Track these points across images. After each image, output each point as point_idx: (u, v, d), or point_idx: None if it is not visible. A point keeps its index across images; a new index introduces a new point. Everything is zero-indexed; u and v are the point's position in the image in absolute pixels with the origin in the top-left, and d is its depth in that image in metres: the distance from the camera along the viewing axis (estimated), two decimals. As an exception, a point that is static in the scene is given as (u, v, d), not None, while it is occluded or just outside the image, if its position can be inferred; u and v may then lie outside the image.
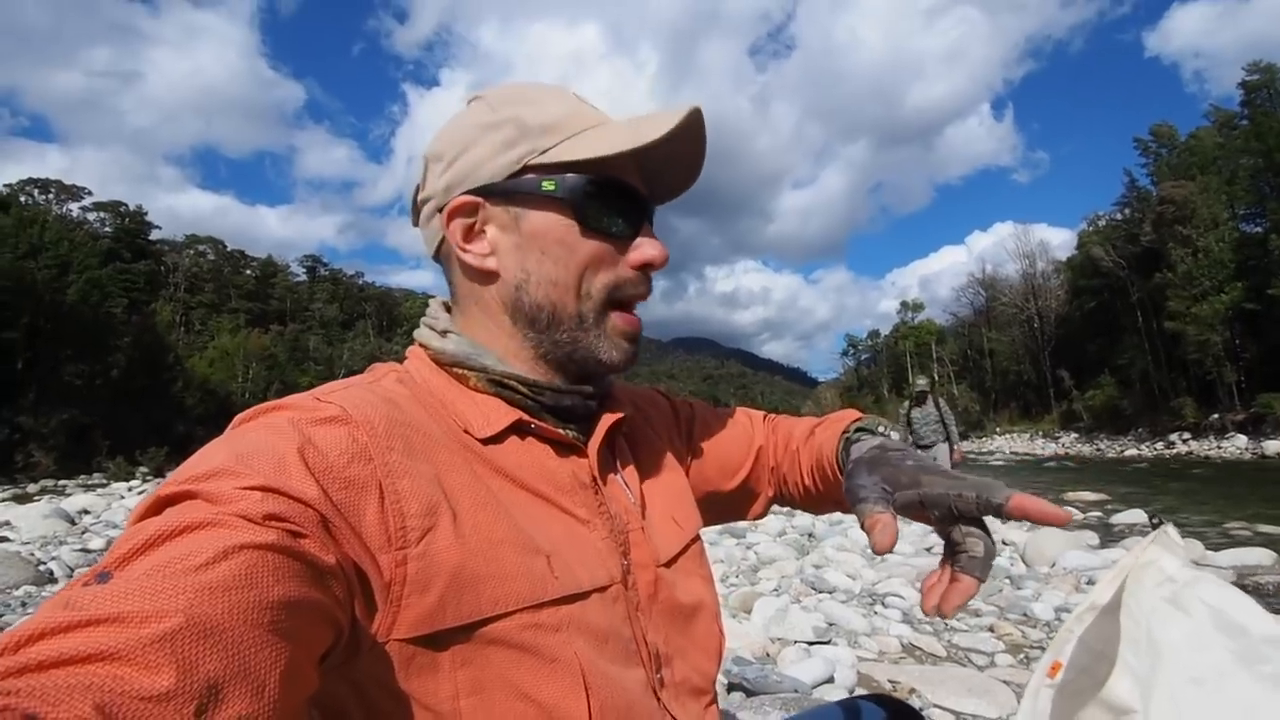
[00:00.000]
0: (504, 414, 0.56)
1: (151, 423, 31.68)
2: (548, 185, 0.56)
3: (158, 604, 0.31)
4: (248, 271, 78.63)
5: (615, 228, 0.58)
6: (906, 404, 7.66)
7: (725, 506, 0.82)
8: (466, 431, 0.55)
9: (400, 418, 0.50)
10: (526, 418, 0.57)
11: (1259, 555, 5.40)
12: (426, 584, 0.44)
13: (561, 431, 0.59)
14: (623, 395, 0.71)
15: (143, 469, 25.71)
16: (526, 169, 0.57)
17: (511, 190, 0.57)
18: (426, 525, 0.46)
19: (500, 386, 0.58)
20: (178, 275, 64.67)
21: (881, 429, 0.72)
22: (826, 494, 0.75)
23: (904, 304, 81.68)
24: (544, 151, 0.56)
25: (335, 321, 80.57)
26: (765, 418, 0.87)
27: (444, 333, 0.60)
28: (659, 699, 0.56)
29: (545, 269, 0.57)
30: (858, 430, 0.71)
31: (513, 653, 0.47)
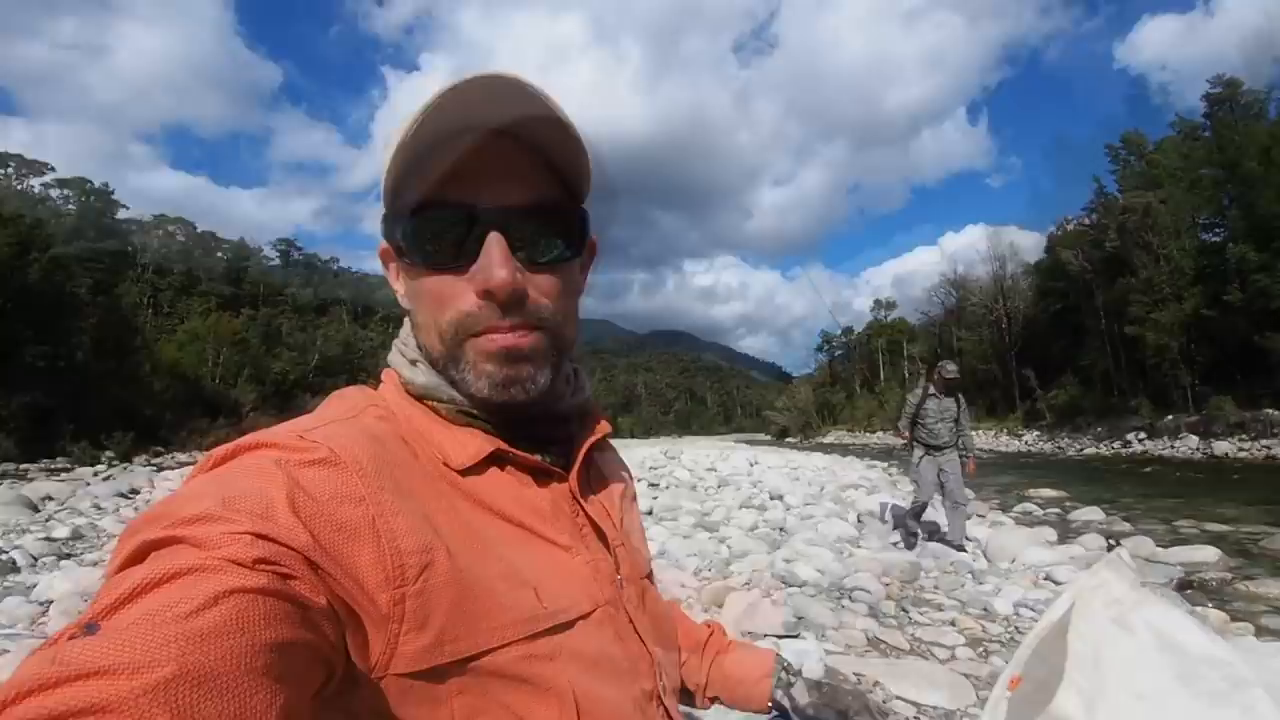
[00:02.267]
0: (481, 444, 0.55)
1: (117, 406, 30.74)
2: (383, 228, 0.56)
3: (149, 654, 0.30)
4: (219, 254, 76.99)
5: (433, 258, 0.53)
6: (918, 391, 6.09)
7: None
8: (446, 464, 0.54)
9: (387, 456, 0.50)
10: (504, 446, 0.56)
11: (1205, 553, 5.66)
12: (424, 621, 0.44)
13: (538, 458, 0.58)
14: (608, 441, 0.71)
15: (108, 453, 25.03)
16: (385, 214, 0.56)
17: (384, 236, 0.57)
18: (423, 562, 0.45)
19: (470, 417, 0.57)
20: (146, 256, 62.88)
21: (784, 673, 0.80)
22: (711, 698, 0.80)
23: (877, 302, 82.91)
24: (384, 193, 0.55)
25: (309, 307, 79.19)
26: None
27: (414, 362, 0.59)
28: (664, 705, 0.58)
29: (415, 311, 0.58)
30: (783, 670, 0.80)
31: (509, 682, 0.47)
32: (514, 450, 0.56)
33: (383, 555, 0.44)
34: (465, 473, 0.54)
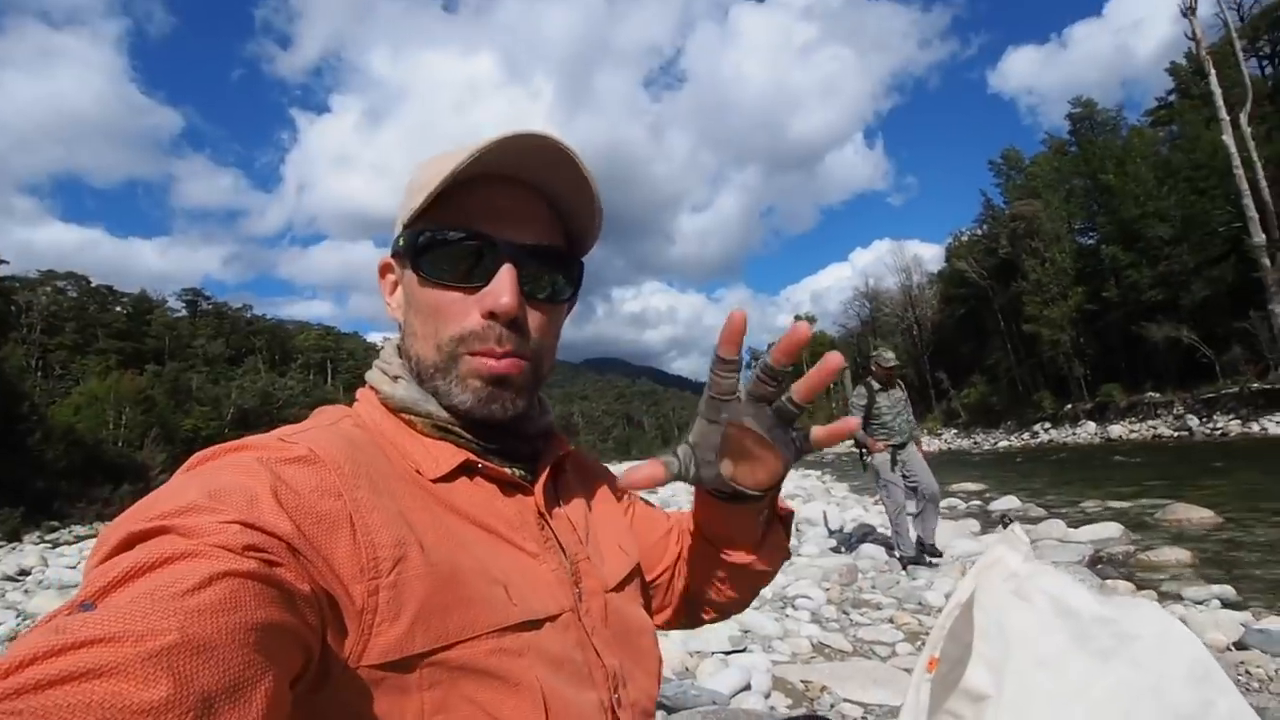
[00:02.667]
0: (452, 455, 0.59)
1: (2, 481, 27.61)
2: (400, 242, 0.61)
3: (150, 624, 0.32)
4: (117, 309, 71.02)
5: (447, 275, 0.58)
6: (862, 391, 5.51)
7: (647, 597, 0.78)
8: (418, 472, 0.57)
9: (363, 457, 0.53)
10: (474, 458, 0.59)
11: (1110, 529, 6.11)
12: (398, 612, 0.46)
13: (508, 471, 0.62)
14: (575, 456, 0.74)
15: (-10, 534, 22.41)
16: (405, 228, 0.61)
17: (396, 250, 0.63)
18: (397, 556, 0.48)
19: (445, 432, 0.60)
20: (32, 315, 57.34)
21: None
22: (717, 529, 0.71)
23: (798, 318, 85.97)
24: (411, 211, 0.60)
25: (221, 358, 74.17)
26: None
27: (395, 378, 0.63)
28: (616, 718, 0.58)
29: (413, 321, 0.62)
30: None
31: (478, 676, 0.49)
32: (484, 461, 0.60)
33: (358, 548, 0.46)
34: (437, 482, 0.57)
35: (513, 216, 0.59)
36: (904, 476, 5.39)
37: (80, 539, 18.83)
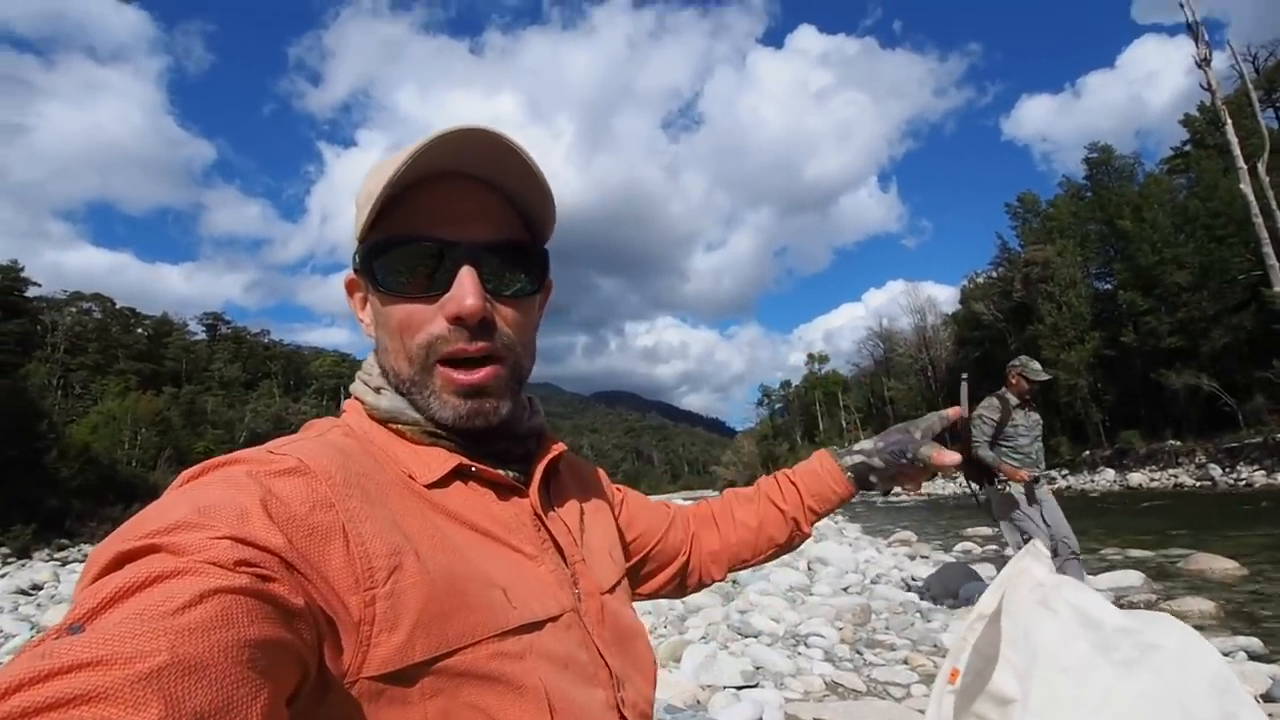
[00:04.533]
0: (445, 460, 0.58)
1: (17, 497, 27.73)
2: (357, 259, 0.60)
3: (140, 645, 0.31)
4: (139, 330, 72.06)
5: (407, 287, 0.57)
6: (994, 403, 4.32)
7: (643, 579, 0.88)
8: (411, 478, 0.56)
9: (354, 466, 0.52)
10: (467, 461, 0.59)
11: (1131, 577, 5.96)
12: (395, 622, 0.45)
13: (501, 473, 0.61)
14: (567, 458, 0.74)
15: (3, 549, 22.52)
16: (359, 243, 0.59)
17: (355, 267, 0.61)
18: (392, 565, 0.47)
19: (435, 437, 0.59)
20: (57, 335, 58.45)
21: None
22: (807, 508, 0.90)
23: (811, 356, 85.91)
24: (361, 225, 0.58)
25: (237, 382, 74.79)
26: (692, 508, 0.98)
27: (378, 389, 0.62)
28: (623, 716, 0.59)
29: (383, 336, 0.60)
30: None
31: (480, 681, 0.48)
32: (477, 464, 0.59)
33: (353, 559, 0.45)
34: (430, 487, 0.56)
35: (467, 215, 0.57)
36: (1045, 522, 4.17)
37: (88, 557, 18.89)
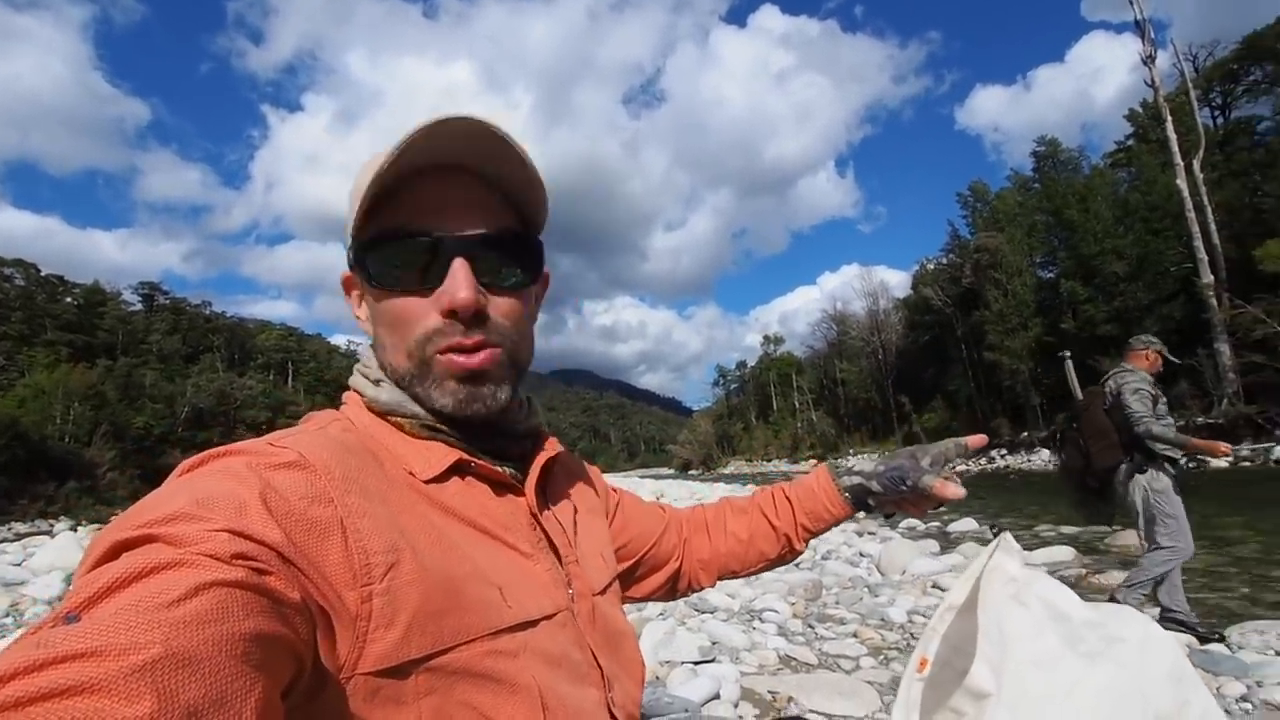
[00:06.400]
0: (444, 455, 0.58)
1: None
2: (351, 256, 0.60)
3: (134, 637, 0.31)
4: (68, 299, 67.52)
5: (401, 283, 0.57)
6: (1143, 375, 3.61)
7: (634, 581, 0.88)
8: (410, 473, 0.56)
9: (354, 462, 0.52)
10: (466, 457, 0.59)
11: (1063, 553, 6.32)
12: (392, 618, 0.45)
13: (500, 470, 0.61)
14: (562, 458, 0.74)
15: (-76, 530, 21.15)
16: (353, 239, 0.59)
17: (350, 264, 0.61)
18: (390, 561, 0.47)
19: (434, 431, 0.59)
20: (-26, 304, 54.68)
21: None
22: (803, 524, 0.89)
23: (766, 338, 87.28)
24: (353, 221, 0.58)
25: (177, 355, 71.11)
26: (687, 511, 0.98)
27: (377, 382, 0.61)
28: (614, 716, 0.59)
29: (380, 334, 0.60)
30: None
31: (474, 679, 0.48)
32: (476, 461, 0.59)
33: (350, 554, 0.45)
34: (430, 482, 0.56)
35: (458, 208, 0.57)
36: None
37: (21, 536, 17.90)
